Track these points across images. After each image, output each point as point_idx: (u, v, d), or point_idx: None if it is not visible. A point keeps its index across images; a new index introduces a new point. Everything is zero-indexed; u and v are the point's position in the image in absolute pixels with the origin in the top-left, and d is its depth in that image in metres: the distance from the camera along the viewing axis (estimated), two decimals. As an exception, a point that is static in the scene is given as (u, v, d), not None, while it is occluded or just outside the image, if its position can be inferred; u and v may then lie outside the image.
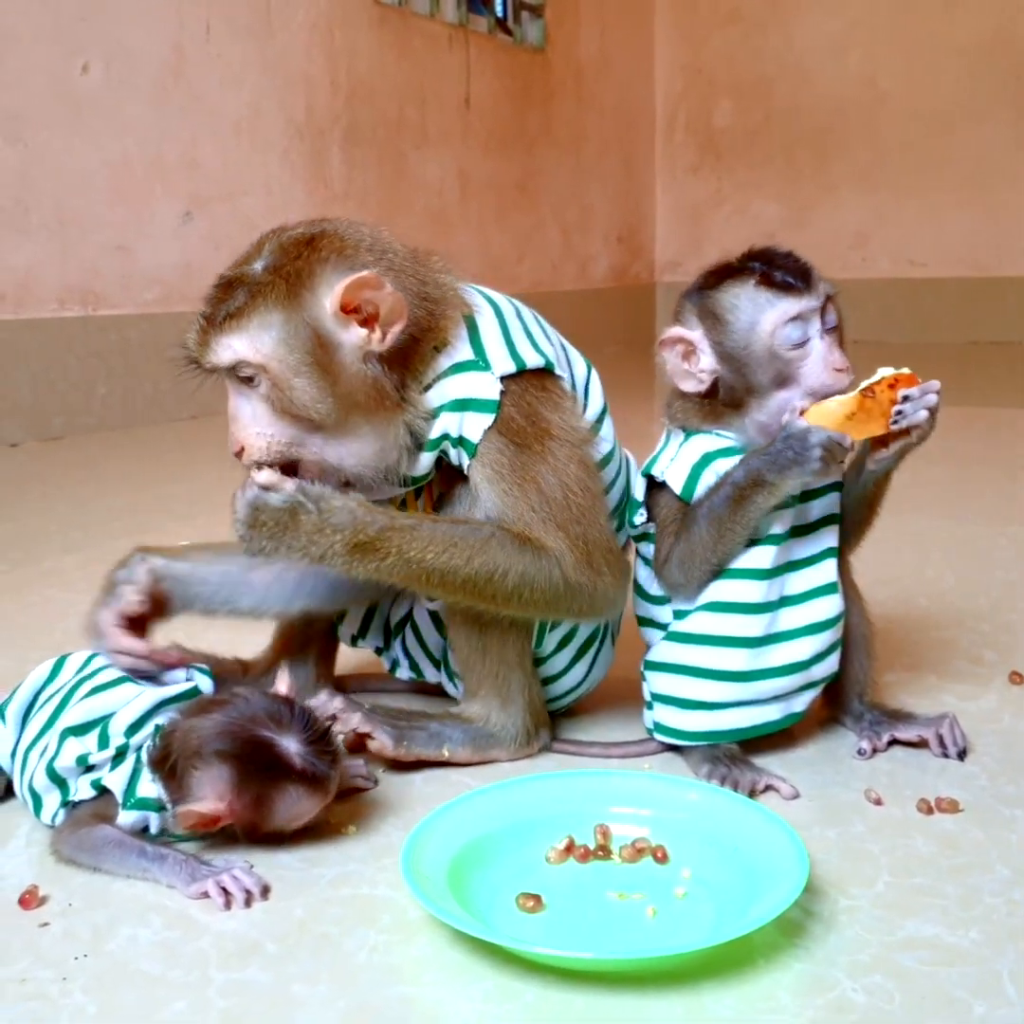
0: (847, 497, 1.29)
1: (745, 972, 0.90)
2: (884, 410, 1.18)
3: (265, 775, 1.05)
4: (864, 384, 1.18)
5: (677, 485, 1.24)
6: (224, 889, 1.00)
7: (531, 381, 1.21)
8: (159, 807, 1.09)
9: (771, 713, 1.26)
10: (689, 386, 1.25)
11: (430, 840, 1.03)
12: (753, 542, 1.23)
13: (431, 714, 1.30)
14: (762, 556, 1.23)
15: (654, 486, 1.28)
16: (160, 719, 1.11)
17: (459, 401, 1.19)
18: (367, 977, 0.90)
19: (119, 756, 1.10)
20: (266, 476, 1.15)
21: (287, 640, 1.46)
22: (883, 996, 0.86)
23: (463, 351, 1.21)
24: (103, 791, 1.10)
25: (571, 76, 5.94)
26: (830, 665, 1.28)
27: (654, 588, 1.30)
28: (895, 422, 1.18)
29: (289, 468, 1.19)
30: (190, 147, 3.95)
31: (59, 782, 1.11)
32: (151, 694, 1.14)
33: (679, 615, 1.27)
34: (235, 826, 1.08)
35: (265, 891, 1.02)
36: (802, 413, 1.18)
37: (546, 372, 1.23)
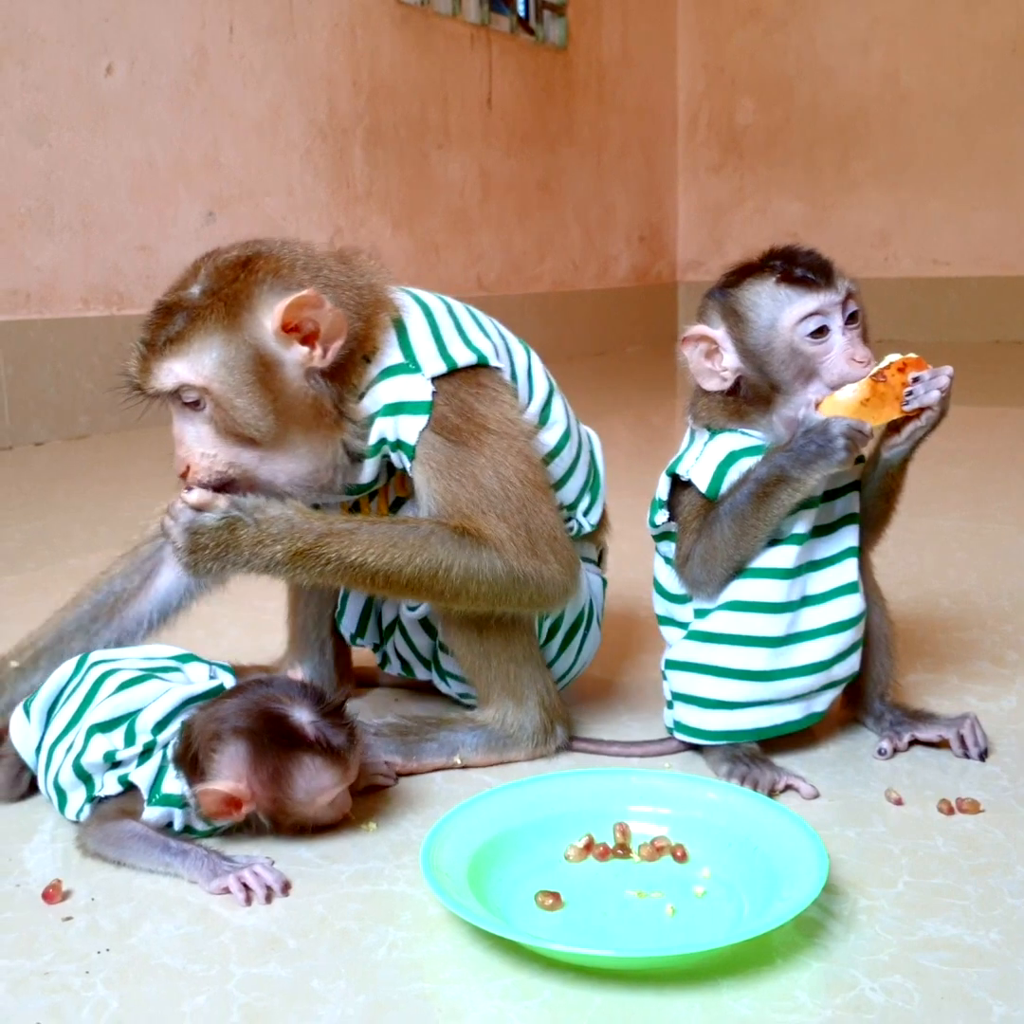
0: (865, 492, 1.29)
1: (764, 971, 0.90)
2: (897, 393, 1.19)
3: (280, 747, 1.07)
4: (874, 369, 1.19)
5: (702, 483, 1.24)
6: (245, 885, 1.01)
7: (464, 378, 1.22)
8: (183, 804, 1.10)
9: (792, 712, 1.26)
10: (712, 384, 1.25)
11: (450, 837, 1.03)
12: (775, 541, 1.23)
13: (444, 720, 1.30)
14: (784, 555, 1.23)
15: (678, 485, 1.28)
16: (186, 716, 1.12)
17: (392, 405, 1.20)
18: (386, 973, 0.91)
19: (146, 753, 1.11)
20: (197, 496, 1.15)
21: (302, 644, 1.47)
22: (902, 996, 0.86)
23: (392, 355, 1.21)
24: (129, 787, 1.11)
25: (593, 75, 5.94)
26: (851, 665, 1.28)
27: (674, 586, 1.30)
28: (907, 403, 1.19)
29: (222, 486, 1.19)
30: (212, 148, 3.97)
31: (85, 778, 1.12)
32: (178, 692, 1.15)
33: (700, 614, 1.27)
34: (259, 812, 1.09)
35: (286, 887, 1.03)
36: (817, 406, 1.19)
37: (481, 367, 1.23)
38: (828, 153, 6.34)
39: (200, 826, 1.11)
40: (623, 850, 1.07)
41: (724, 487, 1.23)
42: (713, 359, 1.25)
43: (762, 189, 6.54)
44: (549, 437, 1.29)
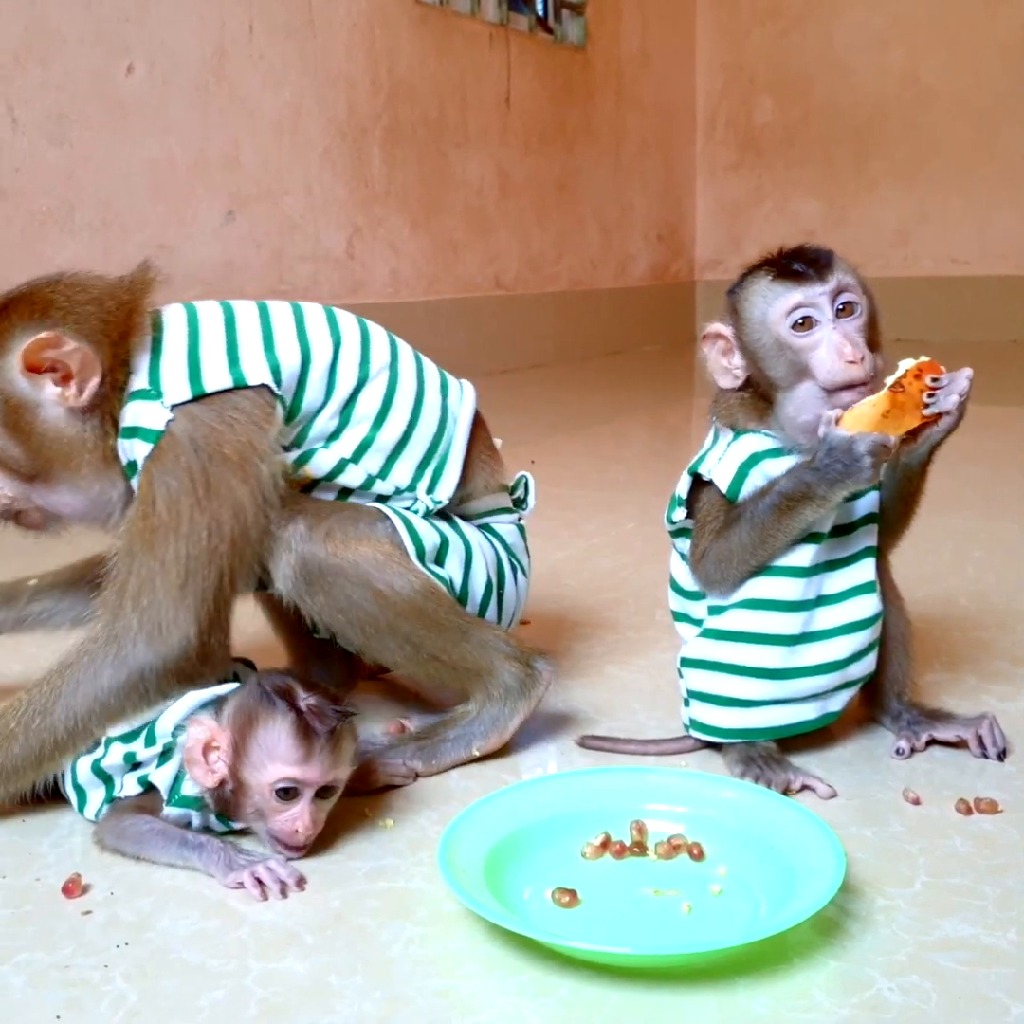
0: (884, 495, 1.28)
1: (780, 970, 0.90)
2: (916, 402, 1.17)
3: (264, 701, 1.08)
4: (891, 380, 1.17)
5: (724, 484, 1.24)
6: (259, 880, 1.02)
7: (214, 404, 1.19)
8: (201, 805, 1.10)
9: (808, 712, 1.26)
10: (726, 381, 1.26)
11: (466, 834, 1.04)
12: (793, 541, 1.23)
13: (446, 722, 1.30)
14: (802, 554, 1.23)
15: (698, 483, 1.28)
16: None
17: (128, 429, 1.19)
18: (403, 969, 0.91)
19: (166, 754, 1.12)
20: None
21: (301, 650, 1.48)
22: (919, 996, 0.86)
23: (140, 380, 1.20)
24: (149, 787, 1.11)
25: (611, 74, 5.93)
26: (867, 665, 1.28)
27: (689, 583, 1.30)
28: (927, 408, 1.17)
29: (16, 515, 1.24)
30: (232, 147, 3.98)
31: (105, 779, 1.13)
32: (196, 693, 1.15)
33: (715, 611, 1.27)
34: (227, 772, 1.08)
35: (300, 882, 1.03)
36: (837, 422, 1.17)
37: (242, 389, 1.20)
38: (846, 152, 6.31)
39: (218, 826, 1.12)
40: (639, 848, 1.07)
41: (745, 488, 1.23)
42: (728, 357, 1.25)
43: (780, 188, 6.52)
44: (352, 435, 1.27)
